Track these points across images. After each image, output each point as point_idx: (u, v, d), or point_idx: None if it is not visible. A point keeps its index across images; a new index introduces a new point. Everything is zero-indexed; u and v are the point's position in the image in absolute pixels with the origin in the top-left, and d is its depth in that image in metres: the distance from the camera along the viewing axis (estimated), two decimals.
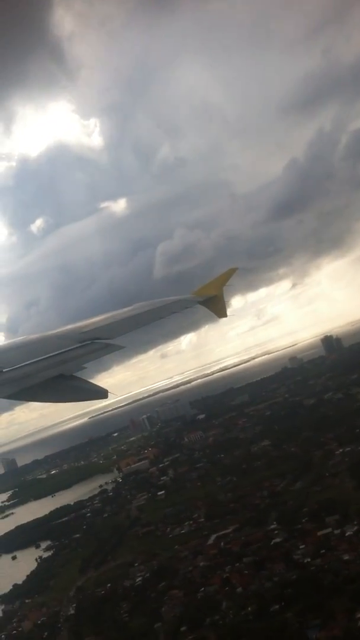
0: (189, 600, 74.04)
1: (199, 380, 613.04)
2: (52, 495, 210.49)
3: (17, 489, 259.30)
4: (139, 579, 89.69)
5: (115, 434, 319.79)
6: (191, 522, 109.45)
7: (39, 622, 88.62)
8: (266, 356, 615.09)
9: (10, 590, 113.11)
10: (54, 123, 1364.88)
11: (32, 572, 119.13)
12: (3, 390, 9.05)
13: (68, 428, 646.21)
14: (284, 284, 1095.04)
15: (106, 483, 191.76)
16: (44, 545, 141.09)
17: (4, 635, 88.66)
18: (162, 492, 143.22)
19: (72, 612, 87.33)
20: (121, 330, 13.10)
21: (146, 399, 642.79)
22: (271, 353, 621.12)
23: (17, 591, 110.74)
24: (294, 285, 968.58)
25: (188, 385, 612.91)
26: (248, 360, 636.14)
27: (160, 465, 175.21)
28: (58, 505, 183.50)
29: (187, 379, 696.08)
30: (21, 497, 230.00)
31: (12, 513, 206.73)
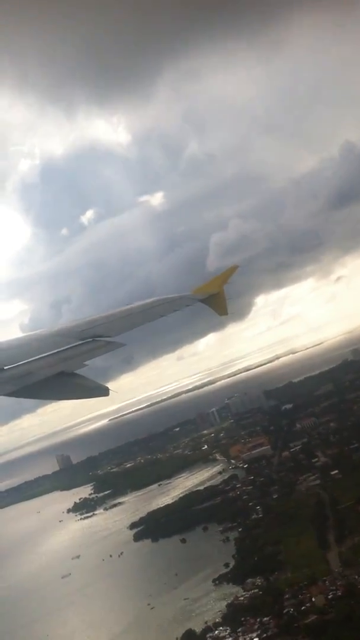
0: None
1: (224, 381, 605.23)
2: (157, 484, 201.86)
3: (95, 482, 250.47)
4: None
5: (177, 429, 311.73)
6: None
7: (331, 595, 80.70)
8: (291, 355, 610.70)
9: (229, 570, 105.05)
10: (79, 121, 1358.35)
11: (238, 552, 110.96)
12: (4, 388, 8.93)
13: (90, 430, 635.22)
14: (309, 283, 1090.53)
15: (224, 470, 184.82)
16: (212, 528, 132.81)
17: (292, 610, 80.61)
18: (335, 471, 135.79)
19: None
20: (122, 328, 13.12)
21: (167, 401, 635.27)
22: (296, 352, 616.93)
23: (241, 570, 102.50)
24: (337, 279, 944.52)
25: (212, 385, 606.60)
26: (273, 360, 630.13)
27: (292, 450, 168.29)
28: (180, 493, 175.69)
29: (208, 379, 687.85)
30: (114, 489, 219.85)
31: (120, 502, 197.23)
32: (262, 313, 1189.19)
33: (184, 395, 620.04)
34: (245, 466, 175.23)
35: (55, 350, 11.07)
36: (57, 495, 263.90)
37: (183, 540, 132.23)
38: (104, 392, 9.18)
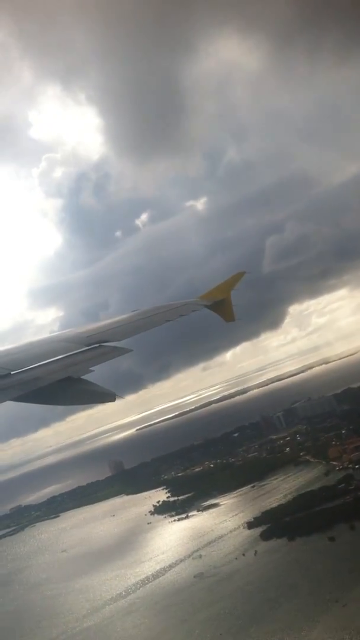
0: None
1: (256, 390, 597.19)
2: (251, 486, 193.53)
3: (166, 486, 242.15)
4: None
5: (236, 434, 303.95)
6: None
7: None
8: (324, 365, 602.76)
9: None
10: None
11: None
12: (11, 392, 8.98)
13: (118, 439, 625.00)
14: (342, 292, 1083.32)
15: (330, 471, 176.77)
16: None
17: None
18: None
19: None
20: (128, 333, 13.18)
21: (196, 411, 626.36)
22: (330, 361, 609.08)
23: None
24: None
25: (244, 395, 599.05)
26: (305, 370, 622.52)
27: None
28: (287, 493, 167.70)
29: (235, 390, 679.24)
30: (196, 492, 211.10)
31: (215, 504, 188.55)
32: (291, 323, 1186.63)
33: (214, 405, 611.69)
34: (357, 467, 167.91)
35: (62, 356, 11.13)
36: (124, 499, 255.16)
37: (332, 539, 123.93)
38: (111, 397, 9.07)
